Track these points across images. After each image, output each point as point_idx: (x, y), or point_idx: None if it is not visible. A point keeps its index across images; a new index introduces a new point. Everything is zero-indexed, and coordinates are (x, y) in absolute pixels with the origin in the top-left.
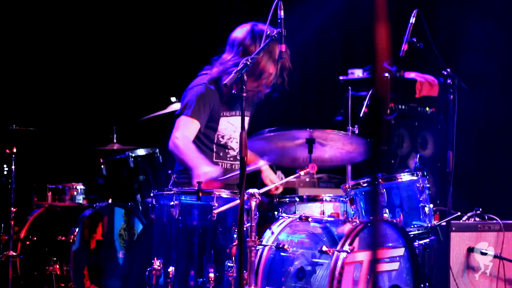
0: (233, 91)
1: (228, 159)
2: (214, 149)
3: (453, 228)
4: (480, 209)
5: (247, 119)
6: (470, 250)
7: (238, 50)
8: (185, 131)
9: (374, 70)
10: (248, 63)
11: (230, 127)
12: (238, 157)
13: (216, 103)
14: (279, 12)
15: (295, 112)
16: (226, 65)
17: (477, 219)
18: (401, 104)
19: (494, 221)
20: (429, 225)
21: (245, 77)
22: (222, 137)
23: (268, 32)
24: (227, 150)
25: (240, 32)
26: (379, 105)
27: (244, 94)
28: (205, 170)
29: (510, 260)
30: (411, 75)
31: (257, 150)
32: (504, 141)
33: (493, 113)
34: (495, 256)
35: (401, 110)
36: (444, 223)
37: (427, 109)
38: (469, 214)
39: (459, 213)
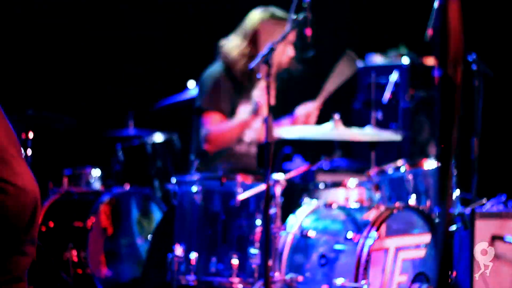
0: (258, 76)
1: (243, 143)
2: None
3: (477, 216)
4: (505, 195)
5: None
6: (495, 238)
7: (249, 35)
8: (212, 126)
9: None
10: (274, 47)
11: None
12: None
13: (232, 90)
14: None
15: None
16: (241, 52)
17: (501, 206)
18: (420, 90)
19: None
20: (456, 212)
21: (270, 61)
22: None
23: (296, 17)
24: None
25: (252, 17)
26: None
27: (270, 79)
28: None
29: None
30: (431, 61)
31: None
32: None
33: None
34: None
35: (421, 97)
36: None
37: None
38: (492, 201)
39: (484, 200)
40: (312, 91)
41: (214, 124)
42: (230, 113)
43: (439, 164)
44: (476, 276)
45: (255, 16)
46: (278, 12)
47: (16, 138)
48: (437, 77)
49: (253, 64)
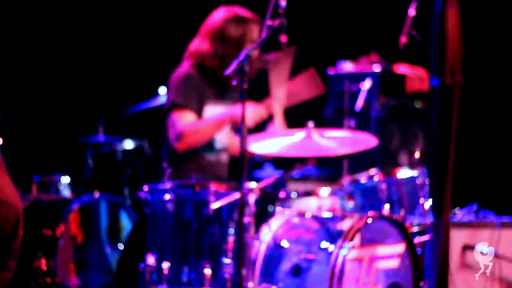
0: (233, 83)
1: (214, 151)
2: None
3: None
4: (476, 205)
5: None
6: (466, 247)
7: (214, 34)
8: (183, 123)
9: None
10: (250, 54)
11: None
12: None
13: (200, 89)
14: (280, 2)
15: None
16: (207, 51)
17: (472, 215)
18: (391, 98)
19: (490, 217)
20: (429, 221)
21: (246, 67)
22: None
23: (270, 23)
24: (212, 142)
25: (216, 16)
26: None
27: (246, 86)
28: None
29: (507, 257)
30: (402, 69)
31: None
32: (501, 136)
33: (490, 105)
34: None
35: (392, 105)
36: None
37: (418, 104)
38: (464, 210)
39: (457, 209)
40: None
41: (186, 122)
42: (198, 112)
43: (437, 174)
44: (476, 276)
45: (219, 15)
46: (241, 11)
47: None
48: (435, 85)
49: (228, 71)
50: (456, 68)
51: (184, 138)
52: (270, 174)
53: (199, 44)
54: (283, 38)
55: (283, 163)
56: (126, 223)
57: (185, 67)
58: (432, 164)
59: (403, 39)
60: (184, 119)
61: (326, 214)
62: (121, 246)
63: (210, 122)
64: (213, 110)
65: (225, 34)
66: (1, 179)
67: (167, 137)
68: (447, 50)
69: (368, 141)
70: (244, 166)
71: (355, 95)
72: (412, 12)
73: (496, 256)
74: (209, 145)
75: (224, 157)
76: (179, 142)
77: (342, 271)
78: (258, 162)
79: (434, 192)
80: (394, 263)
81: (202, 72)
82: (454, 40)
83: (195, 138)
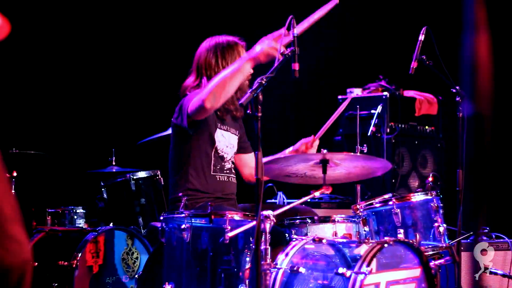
0: (248, 111)
1: (224, 171)
2: (212, 161)
3: (462, 248)
4: (488, 228)
5: (236, 138)
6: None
7: (201, 67)
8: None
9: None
10: (263, 82)
11: (223, 140)
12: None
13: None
14: (292, 30)
15: (291, 133)
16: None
17: (485, 238)
18: (400, 123)
19: (502, 240)
20: (444, 245)
21: (260, 96)
22: (222, 150)
23: (282, 51)
24: (223, 163)
25: (200, 49)
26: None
27: (260, 114)
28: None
29: None
30: (410, 93)
31: (268, 172)
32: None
33: (496, 128)
34: (503, 275)
35: (401, 129)
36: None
37: (427, 127)
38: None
39: (471, 233)
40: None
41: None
42: (211, 132)
43: (473, 200)
44: (476, 276)
45: (203, 47)
46: (223, 38)
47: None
48: (469, 113)
49: (242, 100)
50: (487, 95)
51: (209, 98)
52: (283, 202)
53: (194, 79)
54: (295, 66)
55: (298, 189)
56: (141, 252)
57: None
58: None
59: (413, 64)
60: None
61: (341, 240)
62: (137, 276)
63: (227, 71)
64: (221, 134)
65: (212, 64)
66: (13, 228)
67: (178, 166)
68: (479, 77)
69: (383, 166)
70: (259, 193)
71: (365, 120)
72: (421, 36)
73: (508, 276)
74: (221, 166)
75: (233, 177)
76: (206, 102)
77: None
78: (270, 190)
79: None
80: (410, 287)
81: None
82: (485, 67)
83: (220, 91)
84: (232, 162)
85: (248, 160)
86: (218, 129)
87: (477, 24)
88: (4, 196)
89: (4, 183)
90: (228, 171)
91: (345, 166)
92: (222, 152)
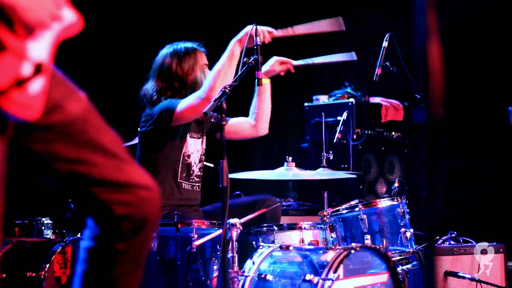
0: (212, 120)
1: (190, 180)
2: (179, 169)
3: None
4: (455, 232)
5: (200, 142)
6: (447, 274)
7: (160, 73)
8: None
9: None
10: (227, 91)
11: (191, 146)
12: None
13: None
14: (255, 38)
15: (257, 141)
16: (157, 91)
17: (452, 242)
18: (367, 129)
19: (470, 244)
20: (411, 250)
21: (224, 105)
22: (189, 156)
23: (245, 59)
24: (190, 171)
25: (159, 56)
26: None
27: (224, 123)
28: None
29: (487, 283)
30: (376, 99)
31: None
32: (475, 163)
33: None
34: (471, 279)
35: (368, 135)
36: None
37: (393, 133)
38: (444, 238)
39: (438, 237)
40: None
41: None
42: (181, 141)
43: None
44: (476, 276)
45: (161, 54)
46: (182, 43)
47: None
48: (422, 118)
49: (206, 109)
50: (439, 99)
51: (212, 88)
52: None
53: (150, 84)
54: (259, 74)
55: None
56: None
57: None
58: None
59: (378, 71)
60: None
61: (309, 247)
62: None
63: (221, 60)
64: (192, 141)
65: (172, 68)
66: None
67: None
68: (430, 86)
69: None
70: (225, 201)
71: (331, 126)
72: (385, 43)
73: (477, 281)
74: (188, 174)
75: (198, 185)
76: (212, 95)
77: None
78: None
79: (424, 222)
80: None
81: None
82: (437, 73)
83: (221, 79)
84: (199, 169)
85: (238, 124)
86: (188, 136)
87: (429, 31)
88: None
89: None
90: (193, 180)
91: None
92: (189, 159)
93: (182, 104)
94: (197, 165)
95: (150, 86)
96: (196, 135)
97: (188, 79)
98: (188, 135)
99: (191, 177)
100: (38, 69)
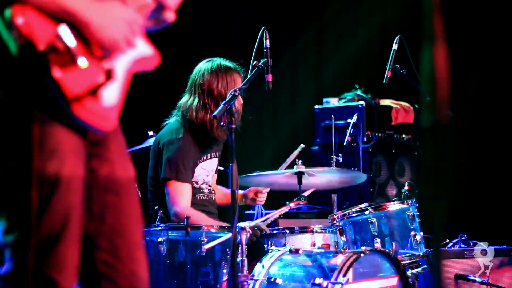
0: (222, 124)
1: (200, 199)
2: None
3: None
4: (466, 236)
5: (217, 159)
6: (458, 277)
7: (199, 88)
8: (182, 199)
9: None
10: (236, 94)
11: (203, 172)
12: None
13: (193, 153)
14: (265, 41)
15: (268, 143)
16: (196, 106)
17: (462, 245)
18: (377, 131)
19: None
20: (421, 253)
21: (233, 108)
22: (197, 183)
23: (255, 62)
24: (199, 194)
25: (198, 70)
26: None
27: (234, 126)
28: None
29: (498, 286)
30: (386, 102)
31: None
32: (487, 167)
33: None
34: (482, 283)
35: (378, 138)
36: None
37: (403, 136)
38: (454, 241)
39: (447, 240)
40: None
41: (183, 197)
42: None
43: (432, 207)
44: (476, 276)
45: (201, 68)
46: (223, 61)
47: None
48: (428, 122)
49: (216, 112)
50: (445, 105)
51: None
52: (259, 214)
53: (187, 99)
54: (269, 77)
55: (271, 202)
56: None
57: (175, 124)
58: (428, 198)
59: (388, 73)
60: (182, 193)
61: (318, 250)
62: None
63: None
64: (200, 168)
65: (211, 86)
66: None
67: (156, 182)
68: (437, 88)
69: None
70: (235, 205)
71: (341, 129)
72: (395, 46)
73: (486, 284)
74: (199, 189)
75: (214, 196)
76: (176, 218)
77: None
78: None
79: (430, 226)
80: None
81: (191, 129)
82: (443, 78)
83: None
84: (210, 186)
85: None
86: (199, 165)
87: (435, 36)
88: None
89: None
90: (205, 197)
91: (322, 176)
92: (198, 184)
93: (174, 206)
94: (207, 187)
95: (188, 100)
96: (213, 154)
97: (220, 97)
98: (200, 163)
99: (202, 196)
100: (108, 75)
